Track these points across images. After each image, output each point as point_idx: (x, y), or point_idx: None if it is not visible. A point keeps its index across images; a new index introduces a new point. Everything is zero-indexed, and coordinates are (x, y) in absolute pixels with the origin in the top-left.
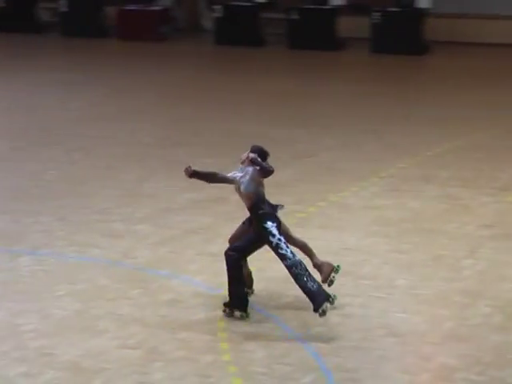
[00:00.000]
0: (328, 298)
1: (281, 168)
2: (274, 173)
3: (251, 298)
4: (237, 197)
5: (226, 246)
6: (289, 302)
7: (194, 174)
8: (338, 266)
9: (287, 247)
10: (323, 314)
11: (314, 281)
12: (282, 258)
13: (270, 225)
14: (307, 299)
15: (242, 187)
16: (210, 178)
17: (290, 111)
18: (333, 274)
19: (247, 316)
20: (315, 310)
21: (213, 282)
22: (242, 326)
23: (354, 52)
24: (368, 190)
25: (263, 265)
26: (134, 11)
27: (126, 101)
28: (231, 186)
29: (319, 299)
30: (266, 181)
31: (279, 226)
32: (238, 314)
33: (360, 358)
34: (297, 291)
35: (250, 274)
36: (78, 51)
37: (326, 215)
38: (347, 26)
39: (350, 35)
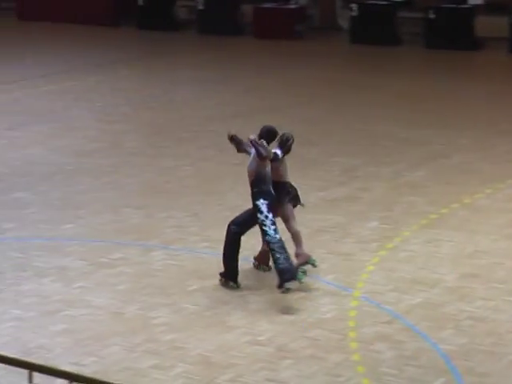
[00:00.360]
0: (295, 277)
1: (414, 169)
2: (408, 173)
3: (382, 297)
4: (369, 196)
5: (358, 245)
6: (419, 303)
7: (232, 139)
8: (314, 260)
9: (271, 225)
10: (286, 291)
11: (287, 260)
12: (264, 233)
13: (261, 202)
14: (428, 300)
15: (248, 164)
16: (241, 146)
17: (425, 112)
18: (303, 267)
19: (238, 286)
20: (278, 287)
21: (343, 281)
22: (371, 326)
23: (492, 52)
24: (503, 193)
25: (392, 265)
26: (270, 9)
27: (259, 100)
28: (363, 186)
29: (285, 276)
30: (399, 181)
31: (271, 205)
32: (231, 283)
33: (492, 362)
34: (427, 292)
35: (267, 251)
36: (213, 49)
37: (459, 217)
38: (485, 25)
39: (487, 35)
